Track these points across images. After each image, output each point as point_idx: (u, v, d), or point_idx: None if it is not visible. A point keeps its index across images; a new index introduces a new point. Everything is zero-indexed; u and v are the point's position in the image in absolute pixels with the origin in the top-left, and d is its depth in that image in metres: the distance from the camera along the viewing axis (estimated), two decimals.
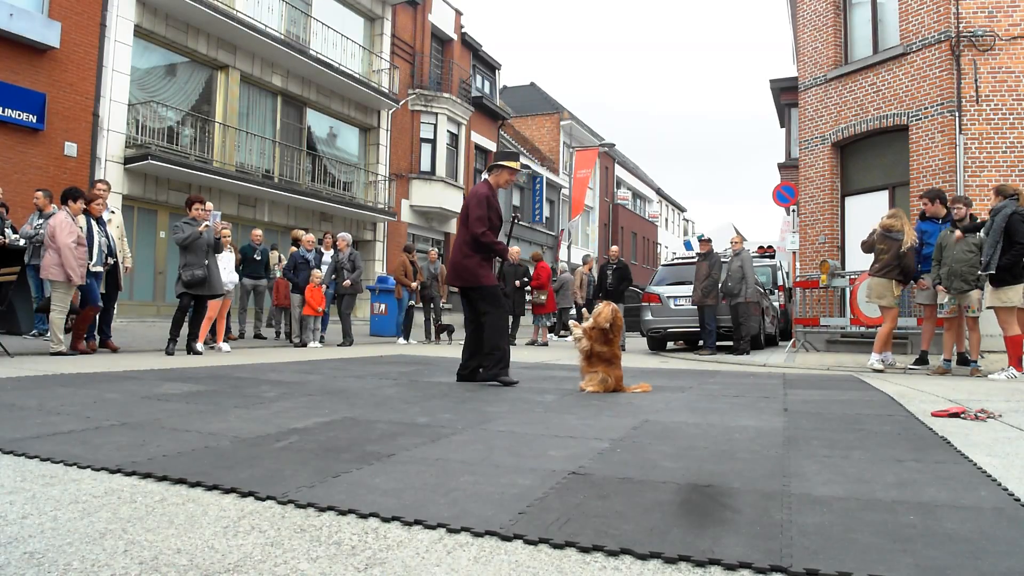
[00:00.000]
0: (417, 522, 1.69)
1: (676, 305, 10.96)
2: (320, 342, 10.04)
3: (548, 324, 13.23)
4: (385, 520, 1.71)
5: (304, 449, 2.54)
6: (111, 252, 7.45)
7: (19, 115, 11.00)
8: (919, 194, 8.55)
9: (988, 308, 6.40)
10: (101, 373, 5.06)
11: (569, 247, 25.95)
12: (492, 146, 25.59)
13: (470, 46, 24.44)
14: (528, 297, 13.40)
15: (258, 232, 10.73)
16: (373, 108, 19.58)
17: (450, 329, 12.58)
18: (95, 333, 7.40)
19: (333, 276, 10.37)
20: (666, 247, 48.37)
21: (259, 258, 10.47)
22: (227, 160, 15.00)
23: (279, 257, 11.33)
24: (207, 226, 7.51)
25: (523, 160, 27.47)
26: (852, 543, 1.58)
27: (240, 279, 9.79)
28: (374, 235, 19.64)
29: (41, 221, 7.81)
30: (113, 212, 7.71)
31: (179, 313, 7.51)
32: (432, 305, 12.42)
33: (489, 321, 5.09)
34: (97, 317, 7.42)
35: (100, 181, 7.77)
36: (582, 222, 33.88)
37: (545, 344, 12.61)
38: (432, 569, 1.41)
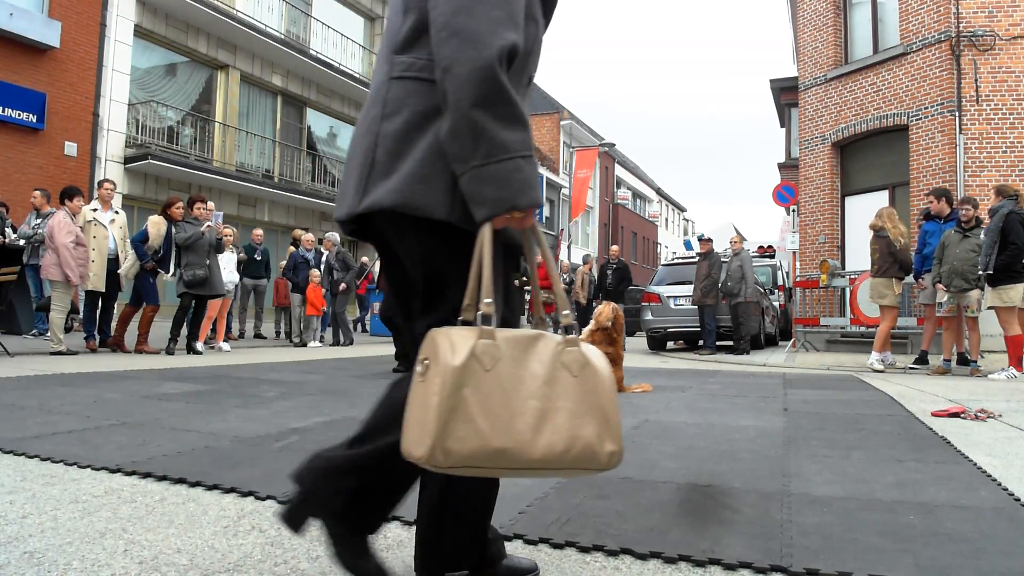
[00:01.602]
0: None
1: (676, 305, 10.95)
2: (320, 342, 10.04)
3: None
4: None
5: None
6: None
7: (19, 115, 11.00)
8: (926, 192, 8.55)
9: (989, 308, 6.41)
10: (101, 373, 5.06)
11: (569, 247, 25.94)
12: None
13: None
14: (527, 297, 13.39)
15: (259, 232, 10.73)
16: None
17: None
18: (95, 332, 7.40)
19: (330, 276, 10.38)
20: (666, 247, 48.32)
21: (259, 258, 10.47)
22: (227, 160, 15.00)
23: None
24: (209, 226, 7.51)
25: None
26: (852, 543, 1.58)
27: (240, 279, 9.78)
28: None
29: (39, 221, 7.80)
30: (117, 212, 7.68)
31: (180, 313, 7.51)
32: None
33: None
34: (98, 316, 7.43)
35: (106, 181, 7.74)
36: (582, 222, 33.86)
37: None
38: None
